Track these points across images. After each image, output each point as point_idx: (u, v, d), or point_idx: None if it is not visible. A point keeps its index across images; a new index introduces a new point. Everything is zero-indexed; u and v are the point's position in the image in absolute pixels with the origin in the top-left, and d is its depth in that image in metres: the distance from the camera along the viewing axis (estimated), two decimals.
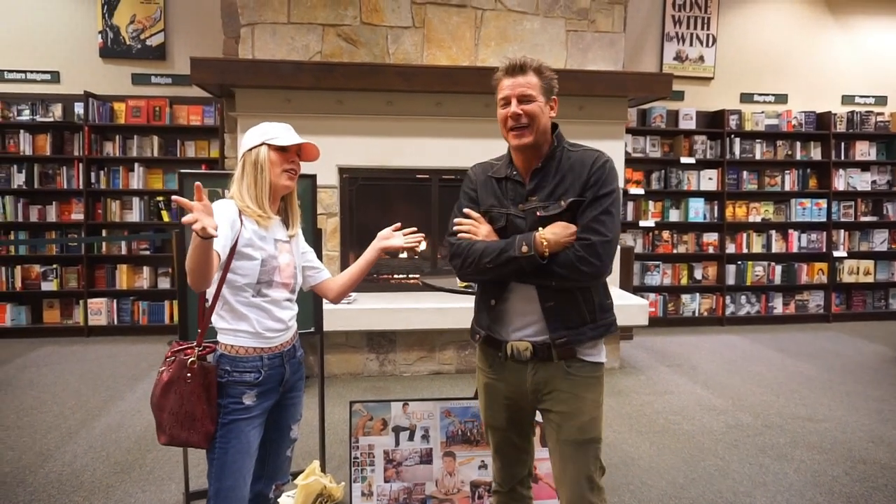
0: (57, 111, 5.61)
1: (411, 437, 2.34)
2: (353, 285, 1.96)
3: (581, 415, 1.65)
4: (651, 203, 6.23)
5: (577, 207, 1.61)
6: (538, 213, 1.64)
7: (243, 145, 1.78)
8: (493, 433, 1.83)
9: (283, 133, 1.77)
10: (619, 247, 5.04)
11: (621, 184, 4.98)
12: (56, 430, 3.44)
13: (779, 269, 6.39)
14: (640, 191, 6.06)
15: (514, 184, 1.71)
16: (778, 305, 6.42)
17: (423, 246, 2.03)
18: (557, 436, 1.68)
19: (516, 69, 1.65)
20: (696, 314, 6.29)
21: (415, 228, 1.99)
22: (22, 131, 5.54)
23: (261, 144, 1.74)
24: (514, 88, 1.64)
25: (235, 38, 4.61)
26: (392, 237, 1.98)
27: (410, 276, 4.88)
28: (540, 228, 1.62)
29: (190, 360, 1.67)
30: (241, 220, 1.68)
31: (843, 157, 6.46)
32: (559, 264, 1.58)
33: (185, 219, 1.42)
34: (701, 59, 6.39)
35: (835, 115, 6.36)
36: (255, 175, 1.73)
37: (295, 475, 2.53)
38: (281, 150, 1.75)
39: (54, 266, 5.64)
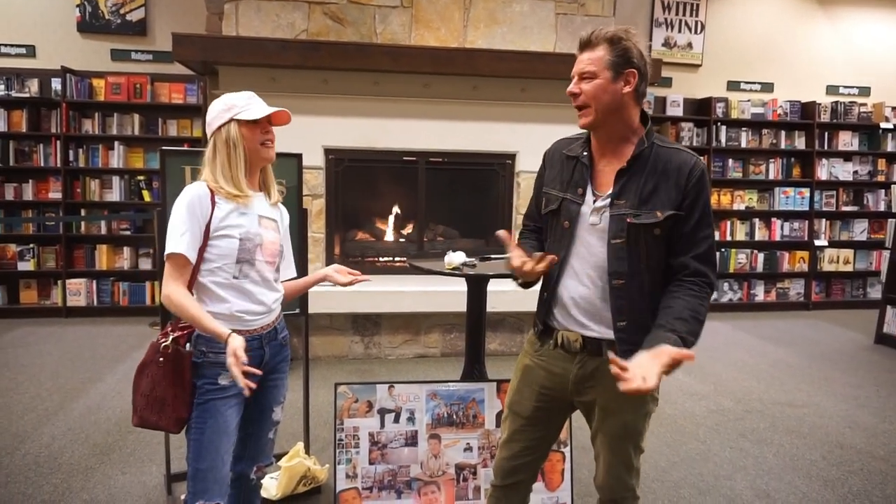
0: (33, 86, 5.45)
1: (397, 420, 2.33)
2: (294, 296, 1.96)
3: (625, 411, 1.58)
4: None
5: (674, 220, 1.49)
6: (629, 220, 1.49)
7: (210, 124, 1.69)
8: (512, 419, 1.72)
9: (249, 103, 1.68)
10: None
11: None
12: (33, 411, 3.37)
13: (761, 256, 6.45)
14: None
15: (582, 167, 1.60)
16: (760, 293, 6.50)
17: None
18: (600, 427, 1.62)
19: (584, 44, 1.53)
20: None
21: (367, 279, 1.96)
22: None
23: (229, 121, 1.66)
24: (578, 65, 1.53)
25: (219, 15, 4.50)
26: (342, 276, 1.93)
27: (396, 259, 4.85)
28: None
29: (163, 343, 1.63)
30: (213, 201, 1.62)
31: (826, 147, 6.52)
32: (700, 327, 1.46)
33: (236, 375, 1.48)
34: (689, 45, 6.38)
35: (819, 104, 6.41)
36: (228, 153, 1.65)
37: (279, 457, 2.51)
38: (252, 122, 1.67)
39: (31, 245, 5.52)
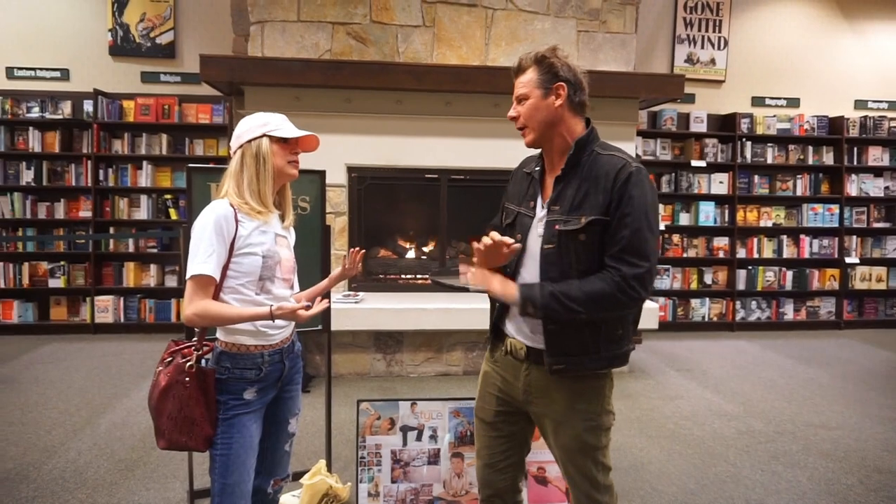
0: (66, 108, 5.61)
1: (419, 437, 2.30)
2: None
3: (575, 424, 1.59)
4: (661, 206, 6.18)
5: (600, 225, 1.51)
6: (556, 227, 1.55)
7: (240, 136, 1.70)
8: (478, 426, 1.78)
9: (283, 124, 1.72)
10: None
11: None
12: (60, 426, 3.41)
13: (790, 274, 6.32)
14: None
15: (535, 181, 1.68)
16: (789, 311, 6.35)
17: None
18: (554, 441, 1.64)
19: (516, 70, 1.64)
20: (706, 319, 6.22)
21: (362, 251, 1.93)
22: (31, 128, 5.55)
23: (262, 136, 1.68)
24: (515, 90, 1.63)
25: (245, 37, 4.60)
26: (347, 269, 1.92)
27: (418, 276, 4.85)
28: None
29: (188, 363, 1.64)
30: (237, 219, 1.63)
31: (855, 163, 6.39)
32: (582, 302, 1.48)
33: (302, 314, 1.58)
34: (712, 61, 6.34)
35: (847, 119, 6.30)
36: (257, 168, 1.67)
37: (300, 475, 2.50)
38: (283, 141, 1.70)
39: (62, 263, 5.64)
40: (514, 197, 1.74)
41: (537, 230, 1.61)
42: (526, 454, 1.78)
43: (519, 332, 1.65)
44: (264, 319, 1.60)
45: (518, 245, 1.57)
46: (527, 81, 1.59)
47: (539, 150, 1.70)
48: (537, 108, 1.58)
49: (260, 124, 1.70)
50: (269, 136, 1.68)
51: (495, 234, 1.54)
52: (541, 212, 1.63)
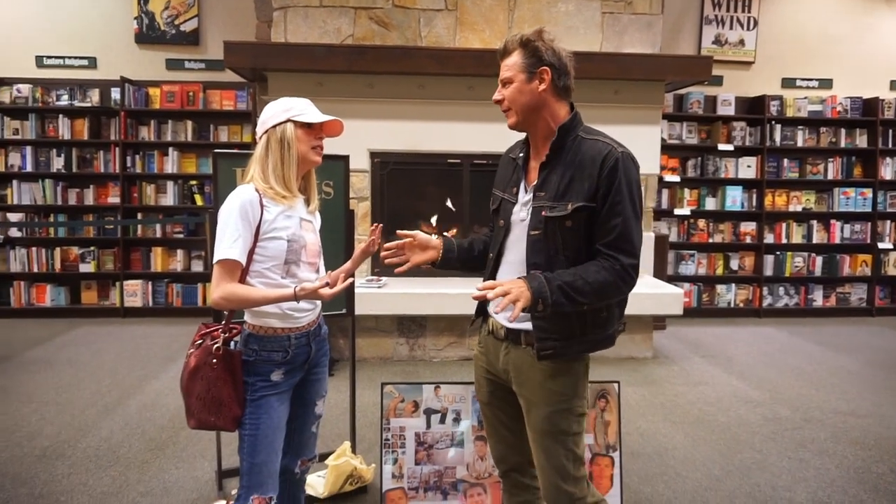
0: (94, 96, 5.70)
1: (443, 420, 2.32)
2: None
3: (546, 405, 1.58)
4: (687, 191, 6.08)
5: (586, 211, 1.51)
6: (543, 213, 1.55)
7: (265, 122, 1.71)
8: (481, 407, 1.83)
9: (307, 109, 1.72)
10: (653, 235, 4.95)
11: (656, 170, 4.86)
12: (93, 406, 3.51)
13: (819, 260, 6.19)
14: (676, 178, 5.92)
15: (518, 167, 1.69)
16: (818, 298, 6.23)
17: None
18: (528, 422, 1.64)
19: (501, 52, 1.62)
20: (732, 305, 6.14)
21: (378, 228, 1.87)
22: (61, 116, 5.65)
23: (286, 121, 1.69)
24: (501, 73, 1.61)
25: (268, 23, 4.61)
26: (369, 246, 1.87)
27: None
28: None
29: (215, 345, 1.66)
30: (262, 204, 1.65)
31: (890, 145, 6.20)
32: (589, 294, 1.48)
33: (324, 292, 1.59)
34: (741, 42, 6.19)
35: (882, 100, 6.11)
36: (282, 153, 1.68)
37: (325, 456, 2.54)
38: (307, 126, 1.70)
39: (92, 248, 5.76)
40: (500, 182, 1.75)
41: (520, 215, 1.62)
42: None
43: (500, 315, 1.66)
44: (288, 301, 1.62)
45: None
46: (511, 65, 1.58)
47: (524, 135, 1.70)
48: (521, 92, 1.57)
49: (284, 109, 1.70)
50: (294, 122, 1.69)
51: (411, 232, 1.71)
52: (524, 196, 1.63)
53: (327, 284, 1.59)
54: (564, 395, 1.59)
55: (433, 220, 4.87)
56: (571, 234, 1.53)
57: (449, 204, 4.83)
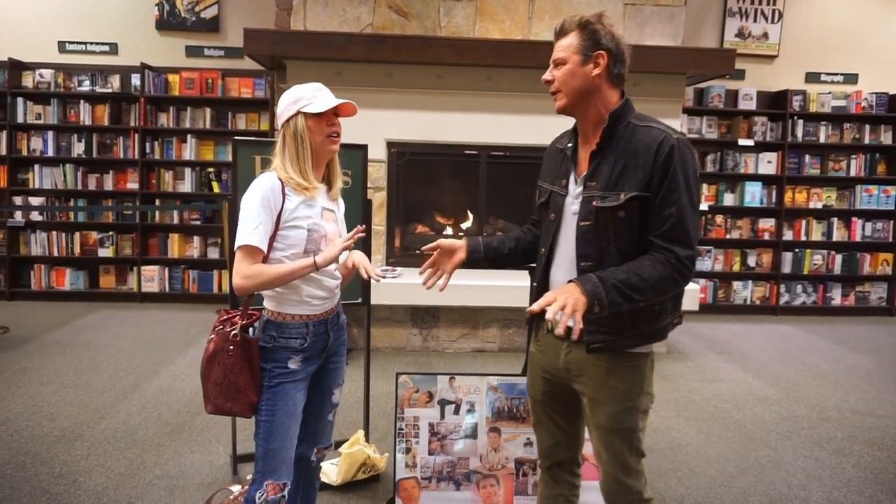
0: (115, 82, 5.75)
1: (457, 411, 2.32)
2: (347, 279, 1.88)
3: (611, 403, 1.56)
4: (705, 186, 6.01)
5: (640, 201, 1.46)
6: (594, 203, 1.50)
7: (280, 116, 1.72)
8: (532, 404, 1.80)
9: (315, 95, 1.69)
10: None
11: None
12: (111, 389, 3.56)
13: (839, 258, 6.10)
14: None
15: (567, 158, 1.63)
16: (836, 296, 6.14)
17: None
18: (590, 419, 1.62)
19: (558, 32, 1.57)
20: (748, 302, 6.08)
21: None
22: (82, 101, 5.71)
23: (296, 114, 1.68)
24: (554, 52, 1.56)
25: (288, 10, 4.60)
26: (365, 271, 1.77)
27: None
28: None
29: (232, 332, 1.68)
30: (284, 192, 1.66)
31: None
32: (645, 291, 1.43)
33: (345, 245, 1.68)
34: (765, 35, 6.08)
35: None
36: (297, 147, 1.68)
37: (339, 444, 2.55)
38: (317, 115, 1.69)
39: (110, 233, 5.83)
40: (548, 175, 1.70)
41: (572, 208, 1.57)
42: (583, 427, 1.76)
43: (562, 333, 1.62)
44: (310, 271, 1.66)
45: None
46: (566, 45, 1.53)
47: (572, 126, 1.65)
48: (573, 75, 1.52)
49: (293, 101, 1.69)
50: (304, 113, 1.68)
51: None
52: (575, 188, 1.58)
53: (347, 239, 1.68)
54: (630, 393, 1.56)
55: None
56: (624, 225, 1.48)
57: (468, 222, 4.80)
